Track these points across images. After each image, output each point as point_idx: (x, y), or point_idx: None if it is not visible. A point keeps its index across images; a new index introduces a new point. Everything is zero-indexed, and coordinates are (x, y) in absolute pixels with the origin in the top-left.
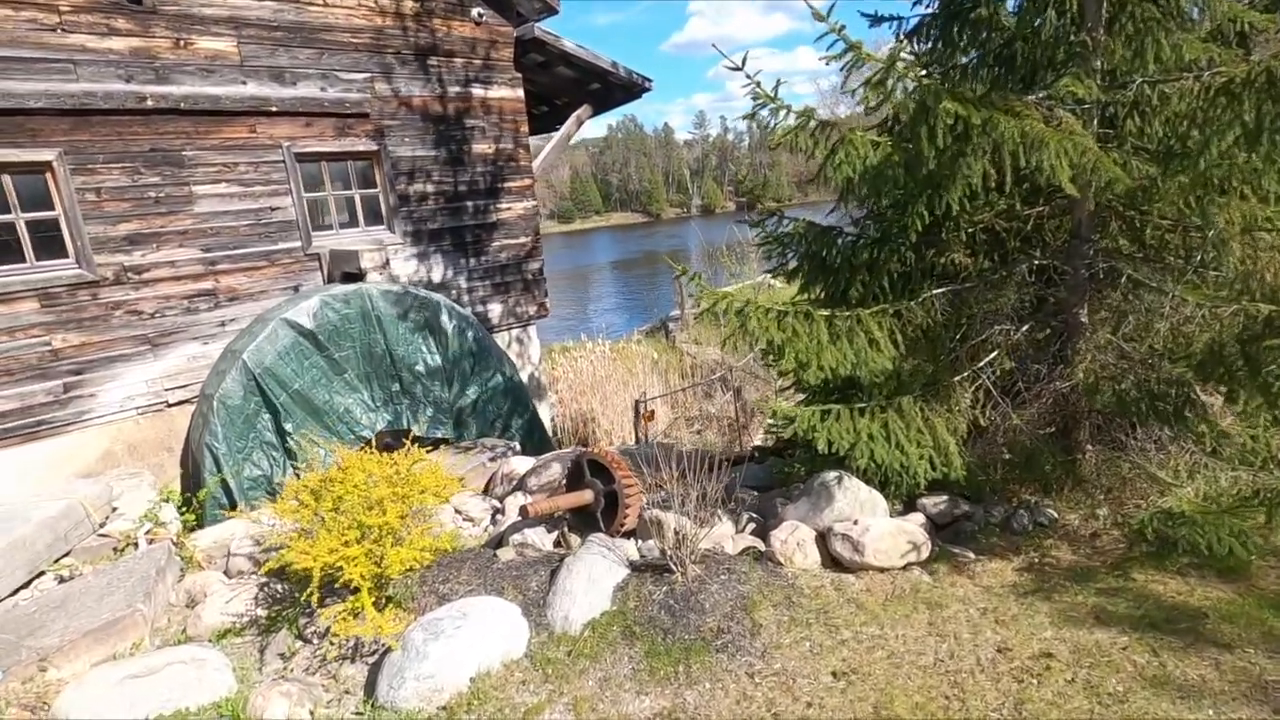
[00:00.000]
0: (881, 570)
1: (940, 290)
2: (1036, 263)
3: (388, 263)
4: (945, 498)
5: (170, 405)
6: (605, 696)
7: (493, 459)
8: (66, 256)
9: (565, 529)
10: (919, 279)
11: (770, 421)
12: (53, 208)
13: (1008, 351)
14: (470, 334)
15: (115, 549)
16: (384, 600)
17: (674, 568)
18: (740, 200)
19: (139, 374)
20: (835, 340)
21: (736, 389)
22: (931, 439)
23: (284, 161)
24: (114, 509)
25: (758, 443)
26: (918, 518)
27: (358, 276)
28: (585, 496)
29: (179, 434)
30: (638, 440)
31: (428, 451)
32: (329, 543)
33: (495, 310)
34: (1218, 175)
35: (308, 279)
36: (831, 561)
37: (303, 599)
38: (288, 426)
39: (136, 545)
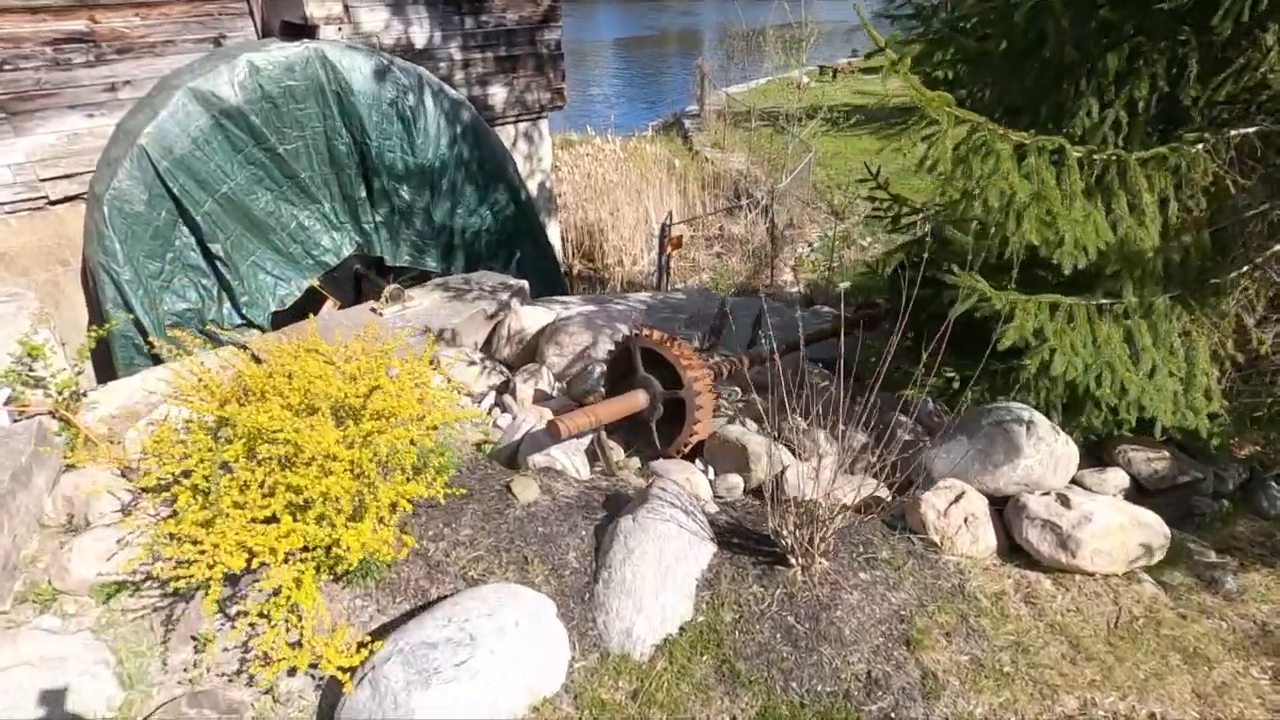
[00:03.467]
0: (1091, 575)
1: (1250, 129)
2: None
3: (349, 10)
4: (1163, 452)
5: (53, 202)
6: None
7: (496, 307)
8: None
9: (603, 434)
10: (1188, 109)
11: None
12: None
13: None
14: (467, 127)
15: None
16: (345, 573)
17: (792, 559)
18: None
19: None
20: (1088, 199)
21: (766, 207)
22: (1186, 365)
23: None
24: None
25: (788, 277)
26: (1118, 478)
27: (307, 30)
28: (637, 401)
29: (74, 242)
30: (659, 273)
31: (409, 286)
32: (239, 522)
33: (498, 95)
34: None
35: (234, 29)
36: (1009, 545)
37: (203, 611)
38: (215, 248)
39: None
